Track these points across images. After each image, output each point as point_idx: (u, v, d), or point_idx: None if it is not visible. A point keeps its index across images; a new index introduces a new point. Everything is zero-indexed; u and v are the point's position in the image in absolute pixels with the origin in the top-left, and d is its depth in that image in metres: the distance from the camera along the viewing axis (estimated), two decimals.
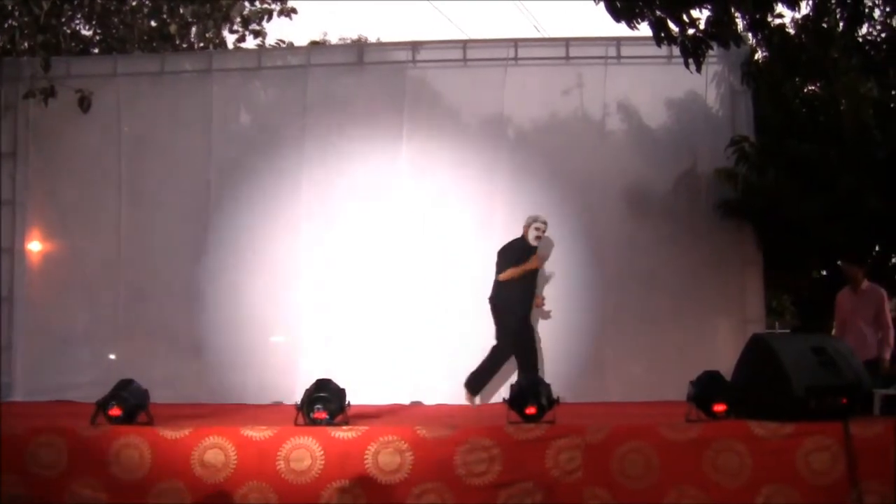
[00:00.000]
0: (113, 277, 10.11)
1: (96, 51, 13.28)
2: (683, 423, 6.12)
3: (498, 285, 9.05)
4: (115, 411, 6.28)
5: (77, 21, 13.34)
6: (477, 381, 8.97)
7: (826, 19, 9.09)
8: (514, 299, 8.99)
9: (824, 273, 10.20)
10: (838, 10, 9.00)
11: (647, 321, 9.43)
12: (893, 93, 10.17)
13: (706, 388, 6.35)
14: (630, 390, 9.09)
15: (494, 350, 9.02)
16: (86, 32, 13.50)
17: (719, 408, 6.17)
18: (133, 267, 10.08)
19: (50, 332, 10.04)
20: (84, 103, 9.65)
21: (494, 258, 9.35)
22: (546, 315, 9.47)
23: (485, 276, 9.39)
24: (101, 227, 10.26)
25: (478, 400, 9.02)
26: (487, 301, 9.11)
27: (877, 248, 10.49)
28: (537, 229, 9.08)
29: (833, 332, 9.52)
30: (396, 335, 9.68)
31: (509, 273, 8.96)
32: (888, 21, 9.23)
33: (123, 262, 10.11)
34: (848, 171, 9.12)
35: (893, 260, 11.07)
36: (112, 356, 10.01)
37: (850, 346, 6.93)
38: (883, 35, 9.59)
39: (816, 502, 5.74)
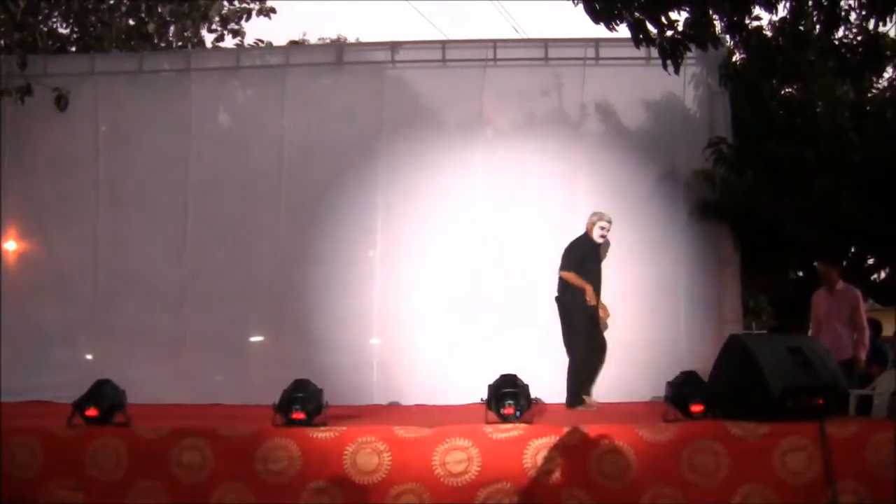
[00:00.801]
0: (90, 277, 10.05)
1: (73, 49, 13.22)
2: (661, 424, 6.15)
3: (563, 283, 8.95)
4: (92, 412, 6.27)
5: (54, 19, 13.28)
6: (573, 388, 8.76)
7: (803, 22, 9.16)
8: (582, 296, 8.83)
9: (801, 274, 10.27)
10: (815, 13, 9.05)
11: (624, 321, 9.43)
12: (869, 96, 10.25)
13: (683, 389, 6.38)
14: (607, 391, 9.10)
15: (569, 351, 8.95)
16: (63, 30, 13.45)
17: (696, 408, 6.21)
18: (110, 266, 10.02)
19: (26, 332, 9.94)
20: (61, 102, 9.59)
21: (477, 257, 9.41)
22: (604, 325, 9.25)
23: (466, 275, 9.46)
24: (79, 226, 10.20)
25: (593, 400, 8.86)
26: (554, 300, 9.05)
27: (852, 250, 10.56)
28: (602, 228, 8.96)
29: (809, 332, 9.58)
30: (374, 335, 9.71)
31: (573, 278, 8.79)
32: (864, 24, 9.30)
33: (101, 261, 10.05)
34: (824, 174, 9.19)
35: (869, 261, 11.15)
36: (89, 356, 9.96)
37: (826, 347, 6.98)
38: (859, 38, 9.68)
39: (793, 502, 5.78)
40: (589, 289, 8.70)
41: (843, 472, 5.79)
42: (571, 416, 7.35)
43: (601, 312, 8.90)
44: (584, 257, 8.92)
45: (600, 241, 9.03)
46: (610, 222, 9.01)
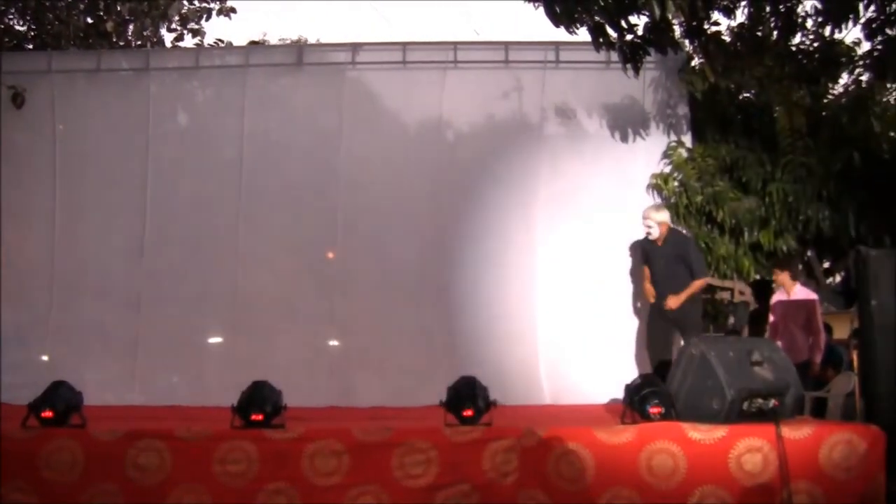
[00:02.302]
0: (46, 277, 9.91)
1: (30, 47, 13.08)
2: (618, 426, 6.19)
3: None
4: (47, 413, 6.19)
5: (10, 16, 13.14)
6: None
7: (760, 28, 9.25)
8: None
9: (758, 277, 10.36)
10: (772, 20, 9.16)
11: (583, 324, 9.47)
12: (825, 101, 10.37)
13: (641, 391, 6.41)
14: (566, 393, 9.14)
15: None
16: (20, 28, 13.31)
17: (654, 410, 6.23)
18: (67, 267, 9.89)
19: None
20: (17, 100, 9.52)
21: (437, 258, 9.59)
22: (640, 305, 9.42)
23: (427, 276, 9.51)
24: (34, 225, 10.06)
25: None
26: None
27: (809, 254, 10.67)
28: (644, 224, 9.07)
29: (766, 335, 9.67)
30: (333, 336, 9.70)
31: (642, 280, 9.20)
32: (820, 31, 9.41)
33: (57, 261, 9.92)
34: (780, 178, 9.30)
35: (825, 265, 11.28)
36: (44, 357, 9.83)
37: (782, 350, 7.05)
38: (815, 45, 9.78)
39: (748, 503, 5.84)
40: (644, 286, 9.13)
41: (798, 474, 5.87)
42: (530, 417, 7.36)
43: (647, 295, 9.10)
44: (642, 258, 9.28)
45: (648, 236, 9.10)
46: (647, 217, 9.08)
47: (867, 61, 9.65)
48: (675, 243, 9.07)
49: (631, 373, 6.88)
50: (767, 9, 9.07)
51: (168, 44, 13.16)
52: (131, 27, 13.15)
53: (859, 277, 6.68)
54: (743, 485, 5.88)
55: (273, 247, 9.82)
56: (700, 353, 6.45)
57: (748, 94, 10.67)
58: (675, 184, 9.66)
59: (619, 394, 6.74)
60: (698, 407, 6.26)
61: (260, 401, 6.23)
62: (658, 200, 9.72)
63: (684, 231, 9.54)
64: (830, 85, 10.54)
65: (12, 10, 13.01)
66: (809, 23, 9.37)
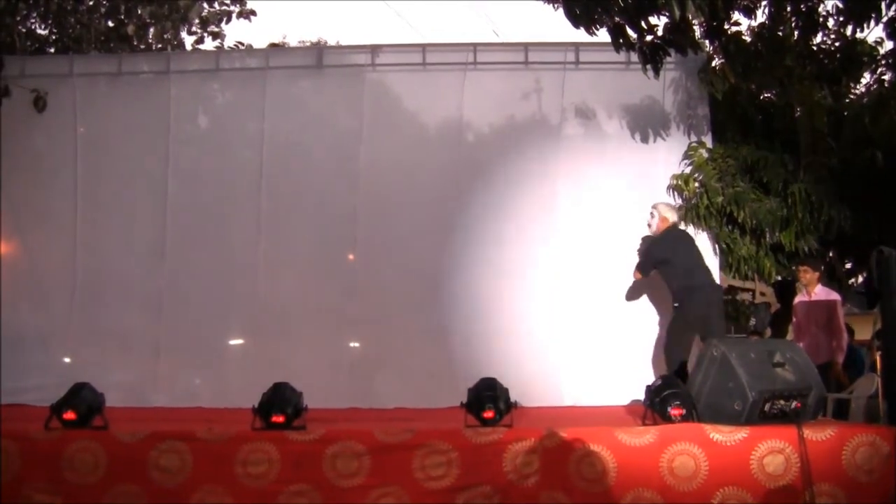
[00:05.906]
0: (68, 279, 9.96)
1: (52, 50, 13.17)
2: (639, 427, 6.17)
3: None
4: (70, 415, 6.22)
5: (32, 20, 13.23)
6: None
7: (781, 27, 9.21)
8: None
9: (779, 278, 10.33)
10: (793, 19, 9.12)
11: (604, 325, 9.45)
12: (846, 101, 10.31)
13: (662, 392, 6.39)
14: (586, 394, 9.12)
15: None
16: (41, 31, 13.41)
17: (675, 412, 6.21)
18: (89, 269, 9.95)
19: (2, 334, 9.85)
20: (39, 103, 9.56)
21: (459, 260, 9.56)
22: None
23: (447, 278, 9.48)
24: (56, 228, 10.12)
25: None
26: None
27: (831, 254, 10.63)
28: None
29: (789, 336, 9.64)
30: (354, 337, 9.71)
31: None
32: (842, 31, 9.36)
33: (79, 263, 9.97)
34: (802, 178, 9.26)
35: (847, 266, 11.22)
36: (67, 359, 9.88)
37: (804, 351, 7.02)
38: (837, 44, 9.73)
39: None
40: None
41: (820, 475, 5.83)
42: (551, 419, 7.35)
43: None
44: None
45: (650, 231, 9.28)
46: (652, 207, 9.27)
47: (889, 61, 9.60)
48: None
49: (651, 374, 6.84)
50: (788, 8, 9.03)
51: (188, 47, 13.24)
52: (152, 30, 13.22)
53: (882, 278, 6.63)
54: (765, 486, 5.84)
55: (293, 248, 9.84)
56: (721, 354, 6.42)
57: (769, 95, 10.63)
58: (696, 184, 9.64)
59: (640, 395, 6.72)
60: (720, 408, 6.24)
61: (281, 402, 6.24)
62: (679, 202, 9.71)
63: (690, 231, 9.55)
64: (852, 85, 10.49)
65: (34, 14, 13.09)
66: (831, 22, 9.34)
